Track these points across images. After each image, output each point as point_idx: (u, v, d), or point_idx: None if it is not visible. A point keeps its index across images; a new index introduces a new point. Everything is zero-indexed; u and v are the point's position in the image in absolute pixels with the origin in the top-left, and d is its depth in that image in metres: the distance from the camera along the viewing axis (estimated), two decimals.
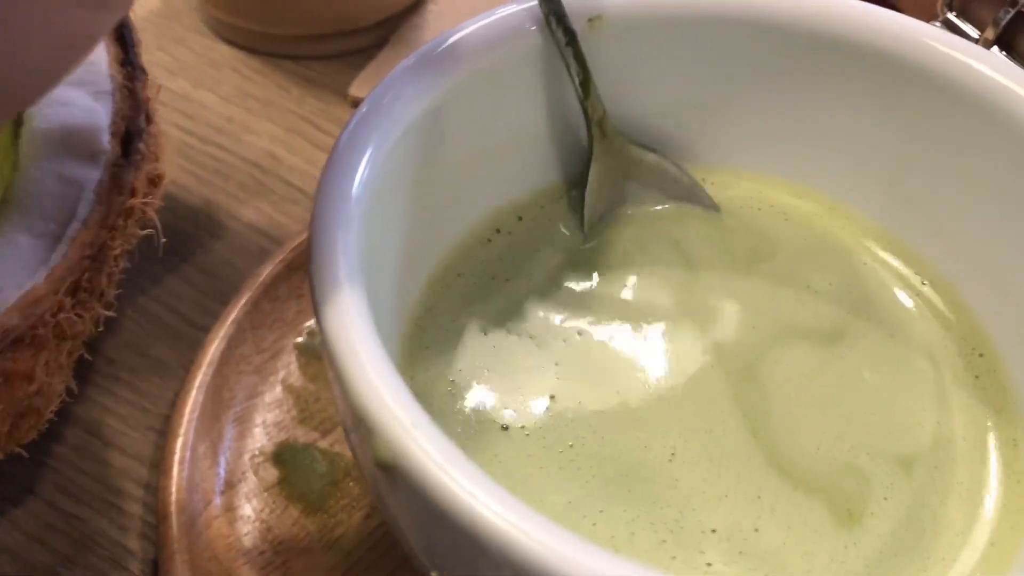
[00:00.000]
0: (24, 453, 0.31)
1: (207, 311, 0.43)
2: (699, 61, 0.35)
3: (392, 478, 0.23)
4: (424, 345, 0.32)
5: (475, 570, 0.22)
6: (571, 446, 0.30)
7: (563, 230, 0.36)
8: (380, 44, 0.53)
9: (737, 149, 0.37)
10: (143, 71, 0.33)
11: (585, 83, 0.34)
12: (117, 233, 0.30)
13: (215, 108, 0.51)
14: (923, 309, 0.35)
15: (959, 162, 0.34)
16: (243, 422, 0.37)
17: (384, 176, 0.29)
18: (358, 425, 0.23)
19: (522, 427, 0.31)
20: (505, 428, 0.31)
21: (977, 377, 0.34)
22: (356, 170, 0.27)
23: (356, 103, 0.51)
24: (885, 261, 0.36)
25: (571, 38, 0.33)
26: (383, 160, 0.28)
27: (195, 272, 0.44)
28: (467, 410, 0.31)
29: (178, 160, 0.49)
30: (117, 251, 0.30)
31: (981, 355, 0.34)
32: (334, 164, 0.27)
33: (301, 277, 0.41)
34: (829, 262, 0.36)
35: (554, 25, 0.33)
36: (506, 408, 0.31)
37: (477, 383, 0.32)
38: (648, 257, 0.36)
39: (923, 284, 0.36)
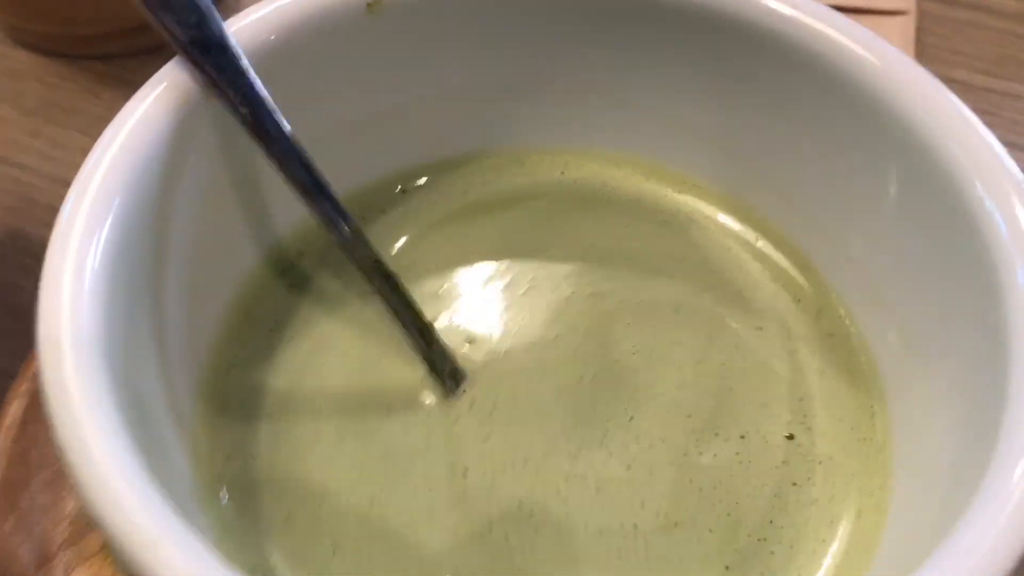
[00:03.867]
0: None
1: (21, 357, 0.39)
2: (499, 38, 0.32)
3: None
4: (225, 402, 0.29)
5: None
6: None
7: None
8: None
9: (563, 130, 0.34)
10: None
11: (424, 332, 0.30)
12: None
13: (17, 123, 0.47)
14: (771, 274, 0.33)
15: (782, 117, 0.31)
16: (58, 485, 0.34)
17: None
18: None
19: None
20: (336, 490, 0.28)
21: (831, 338, 0.31)
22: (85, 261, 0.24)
23: None
24: (725, 225, 0.34)
25: (393, 283, 0.29)
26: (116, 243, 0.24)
27: (4, 314, 0.40)
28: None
29: None
30: None
31: (831, 319, 0.32)
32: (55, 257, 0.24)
33: None
34: (670, 232, 0.34)
35: (371, 274, 0.29)
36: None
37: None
38: (466, 256, 0.33)
39: (765, 245, 0.33)
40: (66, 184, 0.44)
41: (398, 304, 0.29)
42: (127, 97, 0.47)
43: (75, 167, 0.45)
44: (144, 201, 0.26)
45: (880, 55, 0.27)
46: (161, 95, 0.27)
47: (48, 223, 0.43)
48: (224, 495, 0.28)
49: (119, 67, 0.49)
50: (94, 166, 0.25)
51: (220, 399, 0.29)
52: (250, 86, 0.27)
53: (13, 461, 0.33)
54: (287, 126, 0.28)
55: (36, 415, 0.35)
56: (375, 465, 0.29)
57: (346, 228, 0.29)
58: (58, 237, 0.24)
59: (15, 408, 0.34)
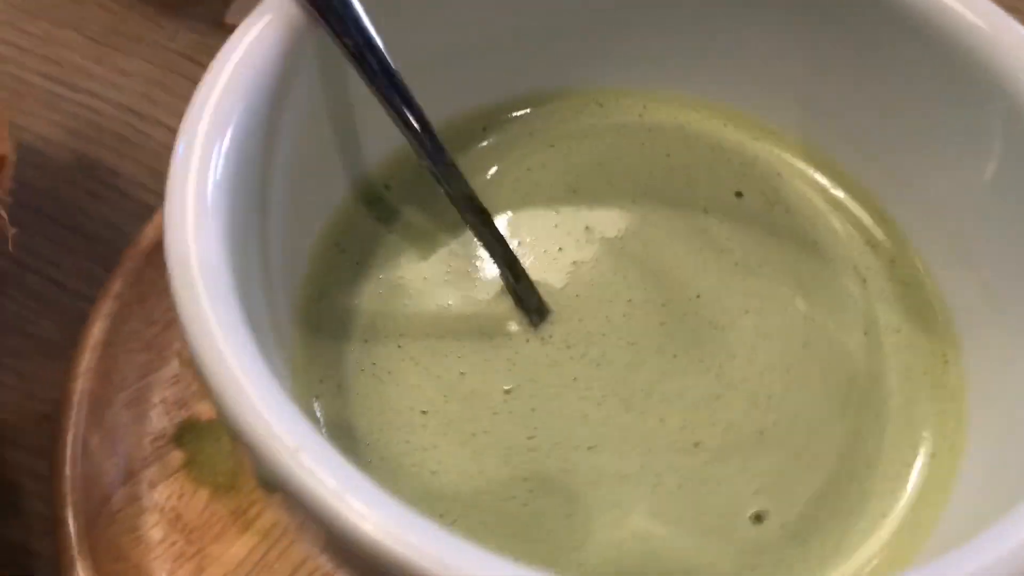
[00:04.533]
0: None
1: (93, 280, 0.40)
2: None
3: (279, 496, 0.21)
4: (318, 327, 0.30)
5: None
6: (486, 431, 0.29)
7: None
8: None
9: (644, 71, 0.34)
10: None
11: (513, 266, 0.30)
12: None
13: (82, 49, 0.47)
14: (845, 222, 0.33)
15: (872, 69, 0.31)
16: (138, 404, 0.35)
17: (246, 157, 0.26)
18: (243, 450, 0.21)
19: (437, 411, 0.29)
20: (424, 412, 0.29)
21: (905, 287, 0.32)
22: (212, 155, 0.24)
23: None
24: (803, 173, 0.34)
25: (484, 218, 0.30)
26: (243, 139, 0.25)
27: (75, 238, 0.41)
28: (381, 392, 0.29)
29: (45, 113, 0.45)
30: None
31: (906, 269, 0.32)
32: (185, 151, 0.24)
33: None
34: (746, 178, 0.34)
35: (464, 208, 0.29)
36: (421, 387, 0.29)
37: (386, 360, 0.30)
38: (547, 195, 0.33)
39: (844, 196, 0.34)
40: (131, 111, 0.45)
41: (489, 238, 0.30)
42: (189, 28, 0.48)
43: (140, 95, 0.46)
44: (255, 125, 0.26)
45: (981, 13, 0.27)
46: (270, 23, 0.27)
47: (115, 149, 0.44)
48: (320, 415, 0.29)
49: None
50: (208, 90, 0.26)
51: (313, 324, 0.30)
52: (356, 18, 0.28)
53: (98, 380, 0.34)
54: (390, 59, 0.28)
55: (117, 336, 0.36)
56: (460, 392, 0.29)
57: (443, 162, 0.29)
58: (177, 167, 0.24)
59: (97, 329, 0.35)
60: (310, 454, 0.20)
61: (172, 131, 0.45)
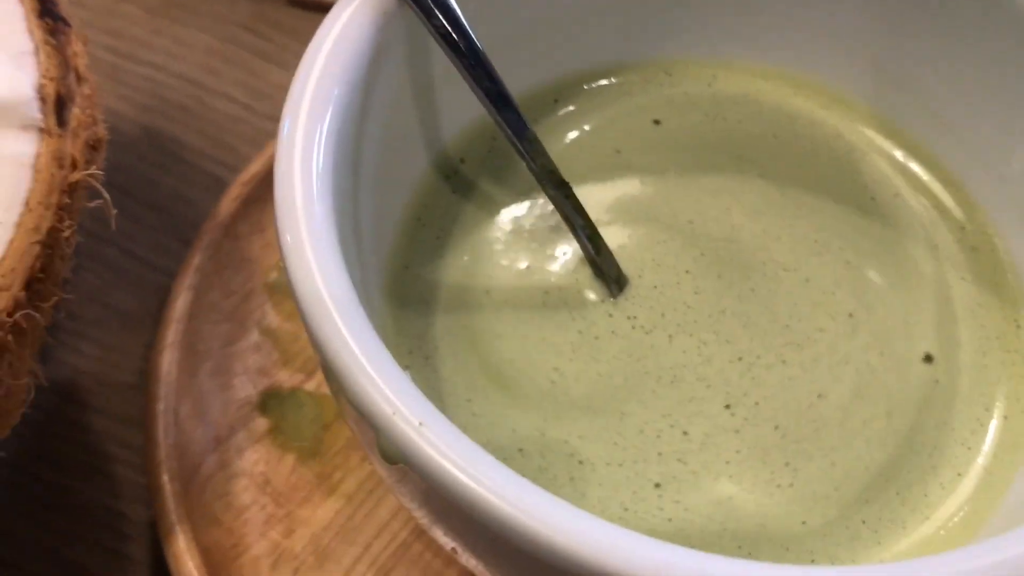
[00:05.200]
0: (4, 456, 0.30)
1: (166, 251, 0.41)
2: None
3: (401, 470, 0.22)
4: (405, 300, 0.31)
5: (501, 560, 0.21)
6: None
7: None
8: None
9: (715, 41, 0.35)
10: (66, 22, 0.30)
11: (594, 238, 0.31)
12: (64, 213, 0.28)
13: (141, 22, 0.48)
14: (915, 190, 0.34)
15: (944, 36, 0.32)
16: (223, 373, 0.36)
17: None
18: (362, 425, 0.22)
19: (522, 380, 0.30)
20: (507, 382, 0.30)
21: (975, 252, 0.33)
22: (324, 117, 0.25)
23: (294, 2, 0.48)
24: (872, 140, 0.35)
25: (566, 191, 0.30)
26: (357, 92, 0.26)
27: (146, 210, 0.42)
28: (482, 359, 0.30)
29: (110, 85, 0.45)
30: (67, 232, 0.28)
31: (977, 235, 0.33)
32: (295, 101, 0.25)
33: (260, 211, 0.39)
34: (815, 145, 0.35)
35: (545, 181, 0.30)
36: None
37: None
38: (618, 165, 0.34)
39: (914, 164, 0.34)
40: (193, 82, 0.46)
41: (570, 210, 0.31)
42: None
43: (200, 65, 0.46)
44: (350, 107, 0.27)
45: None
46: (360, 6, 0.28)
47: (179, 120, 0.45)
48: None
49: None
50: (306, 75, 0.27)
51: (400, 298, 0.31)
52: None
53: (183, 351, 0.35)
54: (475, 38, 0.29)
55: (200, 308, 0.37)
56: (545, 361, 0.30)
57: (526, 137, 0.30)
58: (283, 145, 0.25)
59: (181, 302, 0.36)
60: (433, 429, 0.21)
61: (234, 102, 0.46)
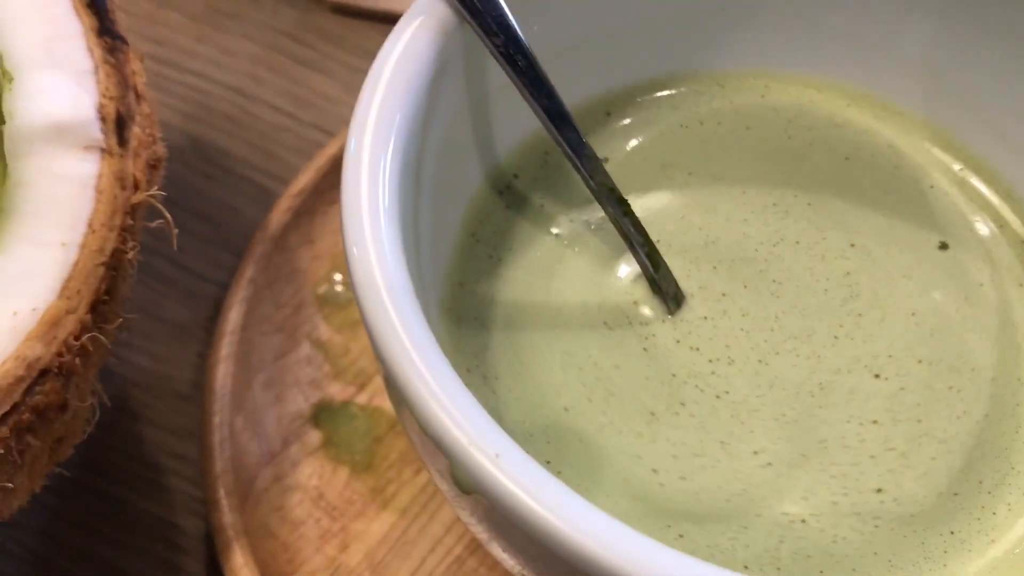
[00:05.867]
0: (65, 472, 0.30)
1: (215, 262, 0.41)
2: None
3: (475, 500, 0.22)
4: (461, 318, 0.31)
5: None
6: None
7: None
8: None
9: (767, 52, 0.35)
10: (124, 40, 0.30)
11: (653, 255, 0.31)
12: (127, 234, 0.28)
13: (184, 29, 0.48)
14: (971, 202, 0.34)
15: (1001, 46, 0.32)
16: (275, 385, 0.36)
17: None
18: (434, 453, 0.22)
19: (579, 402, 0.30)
20: (567, 408, 0.30)
21: None
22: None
23: (337, 9, 0.48)
24: (928, 152, 0.35)
25: (626, 208, 0.30)
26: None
27: (195, 220, 0.42)
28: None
29: (155, 94, 0.45)
30: (130, 254, 0.28)
31: None
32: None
33: (309, 223, 0.39)
34: (870, 157, 0.35)
35: (605, 199, 0.30)
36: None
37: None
38: (672, 178, 0.34)
39: (969, 176, 0.34)
40: (238, 91, 0.46)
41: (629, 227, 0.31)
42: (289, 4, 0.48)
43: (245, 74, 0.46)
44: (412, 126, 0.27)
45: None
46: (422, 24, 0.28)
47: (225, 130, 0.45)
48: None
49: None
50: (370, 95, 0.27)
51: (456, 316, 0.31)
52: (502, 15, 0.28)
53: (237, 364, 0.36)
54: (535, 56, 0.29)
55: (252, 321, 0.37)
56: (602, 382, 0.30)
57: (584, 154, 0.30)
58: (350, 160, 0.25)
59: (235, 315, 0.36)
60: (508, 460, 0.21)
61: (278, 111, 0.46)
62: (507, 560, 0.26)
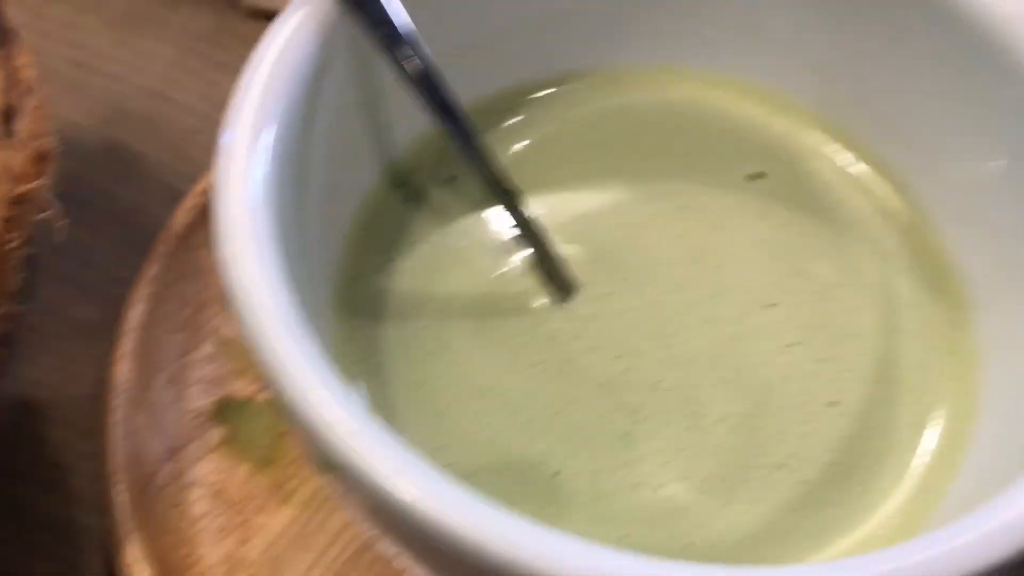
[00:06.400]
0: None
1: (124, 262, 0.41)
2: None
3: (339, 478, 0.23)
4: (355, 310, 0.31)
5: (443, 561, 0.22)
6: None
7: None
8: None
9: (659, 46, 0.35)
10: (14, 32, 0.30)
11: (544, 246, 0.31)
12: (12, 225, 0.28)
13: (103, 33, 0.48)
14: (861, 193, 0.34)
15: (889, 41, 0.32)
16: (178, 383, 0.36)
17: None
18: (297, 428, 0.22)
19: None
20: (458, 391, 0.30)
21: (921, 253, 0.33)
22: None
23: (252, 13, 0.48)
24: (818, 144, 0.35)
25: (516, 199, 0.31)
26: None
27: (105, 221, 0.42)
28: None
29: (72, 98, 0.46)
30: (15, 244, 0.28)
31: (922, 238, 0.33)
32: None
33: None
34: (762, 150, 0.35)
35: (494, 190, 0.31)
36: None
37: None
38: (568, 173, 0.34)
39: (861, 167, 0.35)
40: (156, 95, 0.46)
41: (518, 217, 0.31)
42: (205, 9, 0.48)
43: (163, 78, 0.46)
44: (294, 118, 0.27)
45: None
46: (306, 16, 0.28)
47: (140, 132, 0.45)
48: (361, 396, 0.30)
49: None
50: (247, 86, 0.27)
51: (349, 308, 0.31)
52: (384, 8, 0.29)
53: (139, 361, 0.36)
54: (422, 47, 0.29)
55: (155, 318, 0.37)
56: (493, 368, 0.31)
57: (473, 145, 0.30)
58: (224, 154, 0.25)
59: (136, 312, 0.36)
60: (364, 438, 0.21)
61: (196, 114, 0.46)
62: (392, 550, 0.26)
